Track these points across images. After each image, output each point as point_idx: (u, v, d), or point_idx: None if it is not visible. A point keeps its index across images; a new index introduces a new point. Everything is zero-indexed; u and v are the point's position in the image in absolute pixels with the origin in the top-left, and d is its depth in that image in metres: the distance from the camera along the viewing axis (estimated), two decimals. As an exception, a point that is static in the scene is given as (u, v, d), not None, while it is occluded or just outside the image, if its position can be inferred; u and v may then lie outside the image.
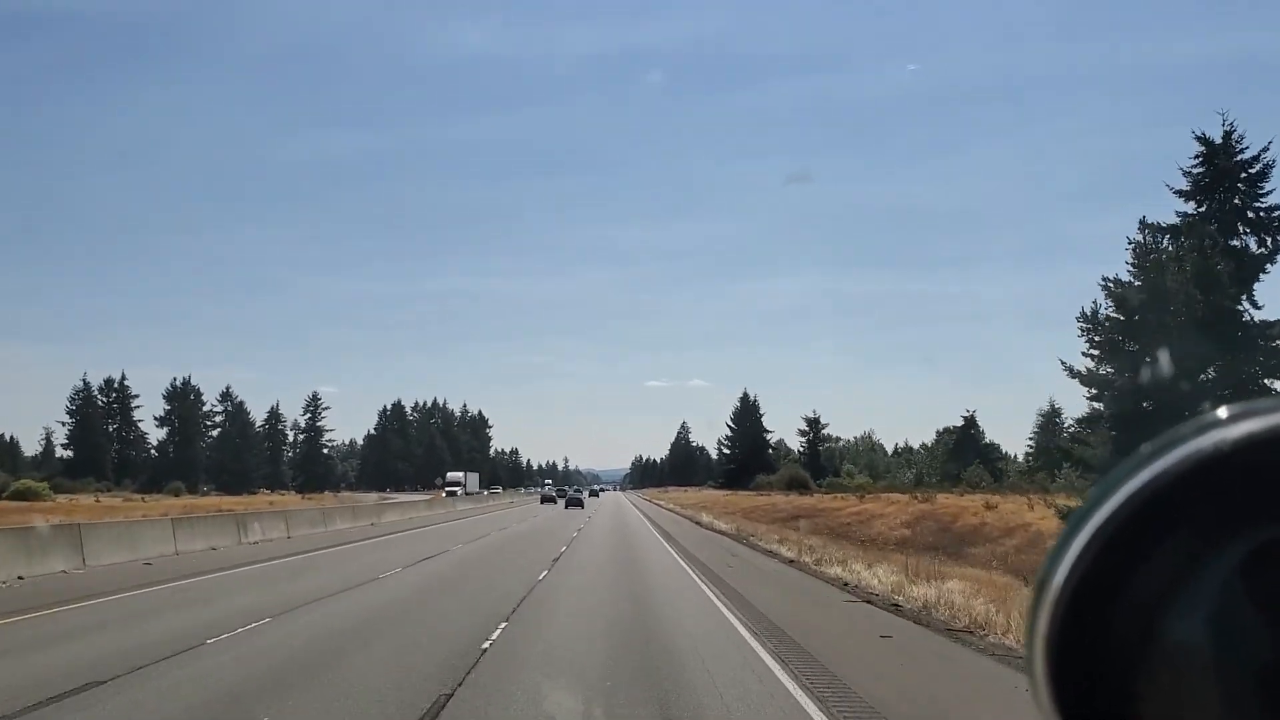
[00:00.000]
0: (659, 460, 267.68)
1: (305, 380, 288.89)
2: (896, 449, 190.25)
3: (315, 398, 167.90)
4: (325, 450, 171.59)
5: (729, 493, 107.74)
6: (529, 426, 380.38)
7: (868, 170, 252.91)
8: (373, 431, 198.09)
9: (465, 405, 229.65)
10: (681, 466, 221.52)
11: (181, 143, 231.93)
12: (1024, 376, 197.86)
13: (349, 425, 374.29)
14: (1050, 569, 0.69)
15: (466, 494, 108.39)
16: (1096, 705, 0.69)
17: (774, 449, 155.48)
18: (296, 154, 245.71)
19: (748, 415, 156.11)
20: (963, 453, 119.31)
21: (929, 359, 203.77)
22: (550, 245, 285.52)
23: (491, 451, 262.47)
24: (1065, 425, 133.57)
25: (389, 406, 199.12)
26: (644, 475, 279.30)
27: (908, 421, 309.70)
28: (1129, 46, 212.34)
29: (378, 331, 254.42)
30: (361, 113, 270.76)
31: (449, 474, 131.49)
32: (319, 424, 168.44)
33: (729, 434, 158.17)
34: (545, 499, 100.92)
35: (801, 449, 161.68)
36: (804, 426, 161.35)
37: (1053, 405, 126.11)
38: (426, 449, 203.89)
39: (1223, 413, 0.67)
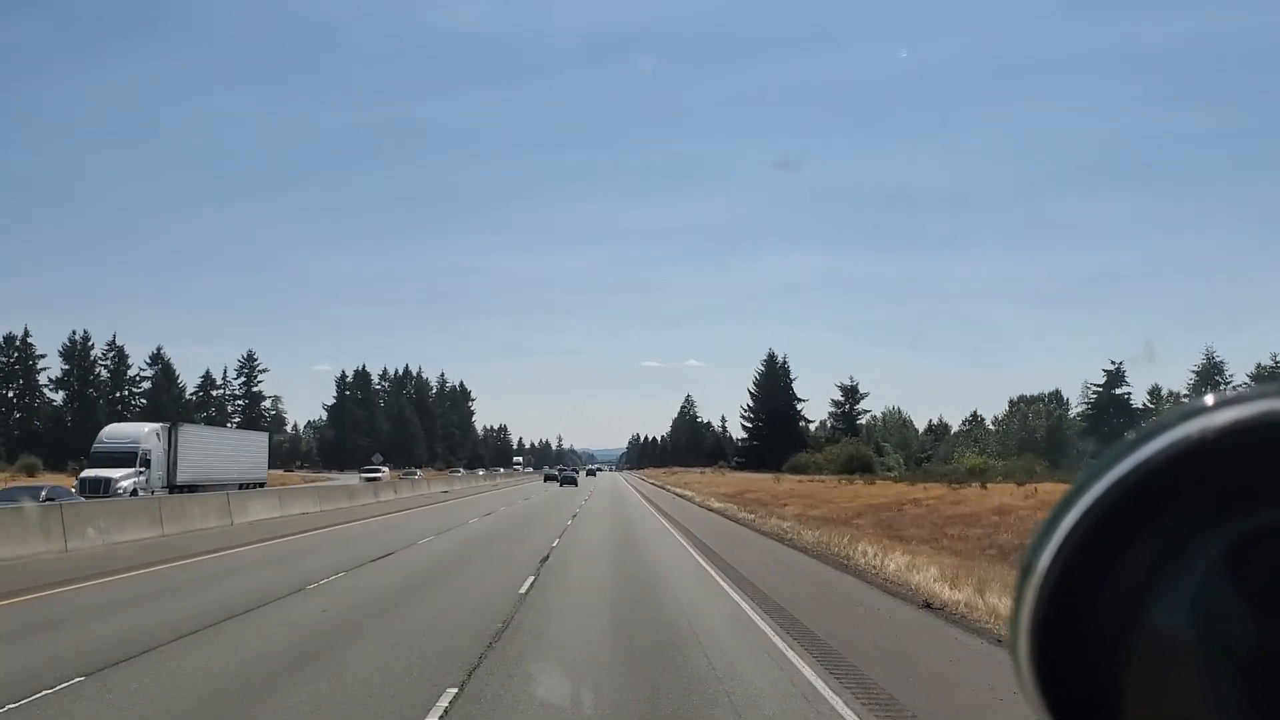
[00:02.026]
0: (660, 438, 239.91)
1: (298, 358, 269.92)
2: (931, 425, 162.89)
3: (250, 358, 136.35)
4: (265, 420, 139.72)
5: (774, 477, 76.77)
6: (521, 405, 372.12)
7: (861, 150, 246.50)
8: (331, 401, 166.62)
9: (444, 375, 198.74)
10: (687, 445, 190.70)
11: (170, 120, 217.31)
12: (1017, 357, 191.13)
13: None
14: (1035, 554, 0.67)
15: (132, 487, 38.53)
16: (1080, 690, 0.67)
17: (806, 420, 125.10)
18: (286, 131, 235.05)
19: (774, 381, 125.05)
20: (1110, 421, 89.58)
21: (919, 340, 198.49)
22: (544, 223, 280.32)
23: (479, 428, 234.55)
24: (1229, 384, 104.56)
25: (350, 374, 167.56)
26: (643, 454, 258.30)
27: (917, 401, 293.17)
28: (1119, 28, 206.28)
29: (371, 309, 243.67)
30: (352, 89, 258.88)
31: (106, 427, 47.00)
32: (255, 389, 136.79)
33: (750, 404, 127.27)
34: (549, 478, 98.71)
35: (834, 421, 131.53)
36: (839, 396, 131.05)
37: (1210, 358, 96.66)
38: (395, 423, 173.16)
39: (1209, 399, 0.66)
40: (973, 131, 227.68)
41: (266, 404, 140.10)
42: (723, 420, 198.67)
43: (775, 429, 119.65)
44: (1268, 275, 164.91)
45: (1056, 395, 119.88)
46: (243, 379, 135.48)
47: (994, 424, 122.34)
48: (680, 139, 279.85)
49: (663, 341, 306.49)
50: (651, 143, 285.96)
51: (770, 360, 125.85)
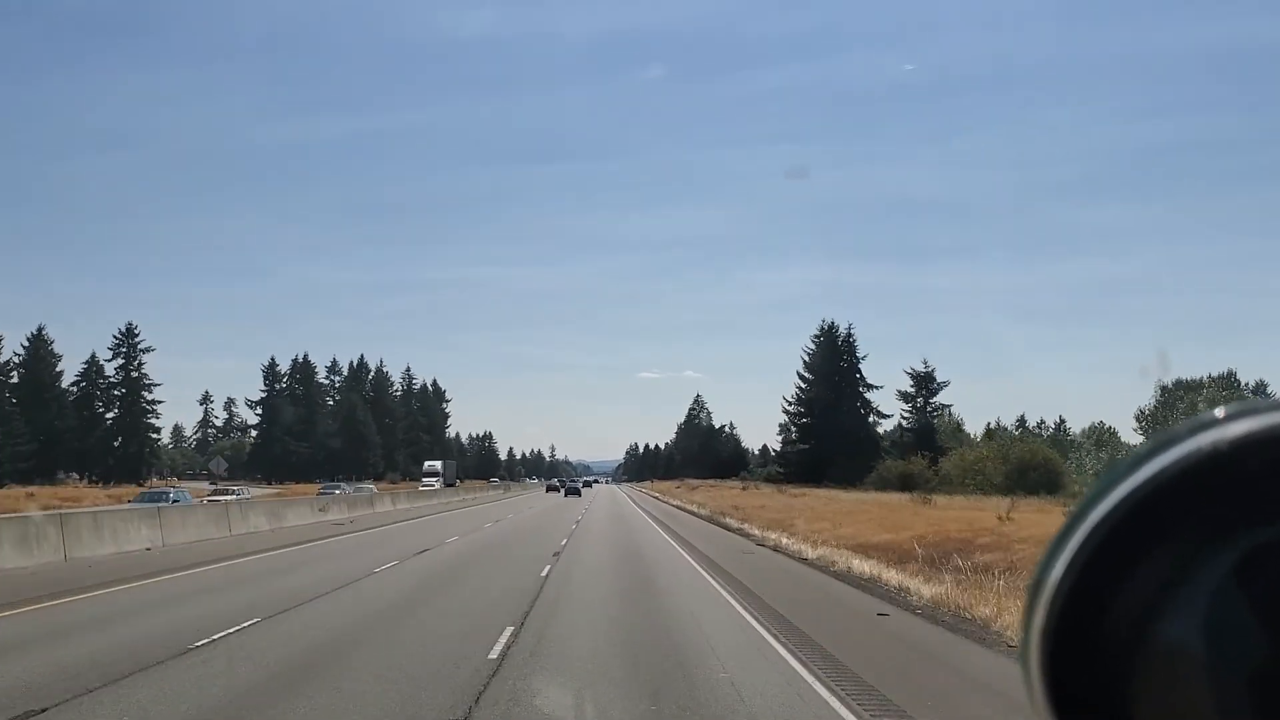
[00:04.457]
0: (663, 446, 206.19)
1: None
2: (990, 429, 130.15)
3: (129, 334, 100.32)
4: (150, 418, 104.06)
5: (919, 498, 41.54)
6: (514, 417, 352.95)
7: (863, 160, 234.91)
8: (259, 395, 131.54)
9: (409, 369, 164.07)
10: (699, 454, 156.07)
11: (165, 127, 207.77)
12: (1014, 367, 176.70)
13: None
14: (1046, 568, 0.66)
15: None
16: (1090, 704, 0.66)
17: (880, 415, 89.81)
18: (284, 139, 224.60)
19: (832, 362, 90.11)
20: None
21: (924, 352, 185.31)
22: (539, 233, 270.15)
23: (463, 437, 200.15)
24: None
25: (282, 365, 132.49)
26: (643, 465, 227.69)
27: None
28: (1123, 37, 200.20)
29: (363, 322, 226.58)
30: (349, 97, 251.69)
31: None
32: (135, 376, 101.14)
33: (798, 394, 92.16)
34: (550, 489, 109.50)
35: (904, 418, 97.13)
36: (909, 387, 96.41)
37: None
38: (344, 425, 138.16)
39: (1220, 412, 0.64)
40: (975, 140, 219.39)
41: (156, 395, 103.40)
42: (731, 427, 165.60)
43: (835, 429, 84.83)
44: (1275, 286, 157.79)
45: (1228, 378, 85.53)
46: (120, 361, 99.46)
47: (1138, 419, 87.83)
48: (679, 148, 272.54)
49: (660, 353, 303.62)
50: (650, 152, 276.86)
51: (828, 335, 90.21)
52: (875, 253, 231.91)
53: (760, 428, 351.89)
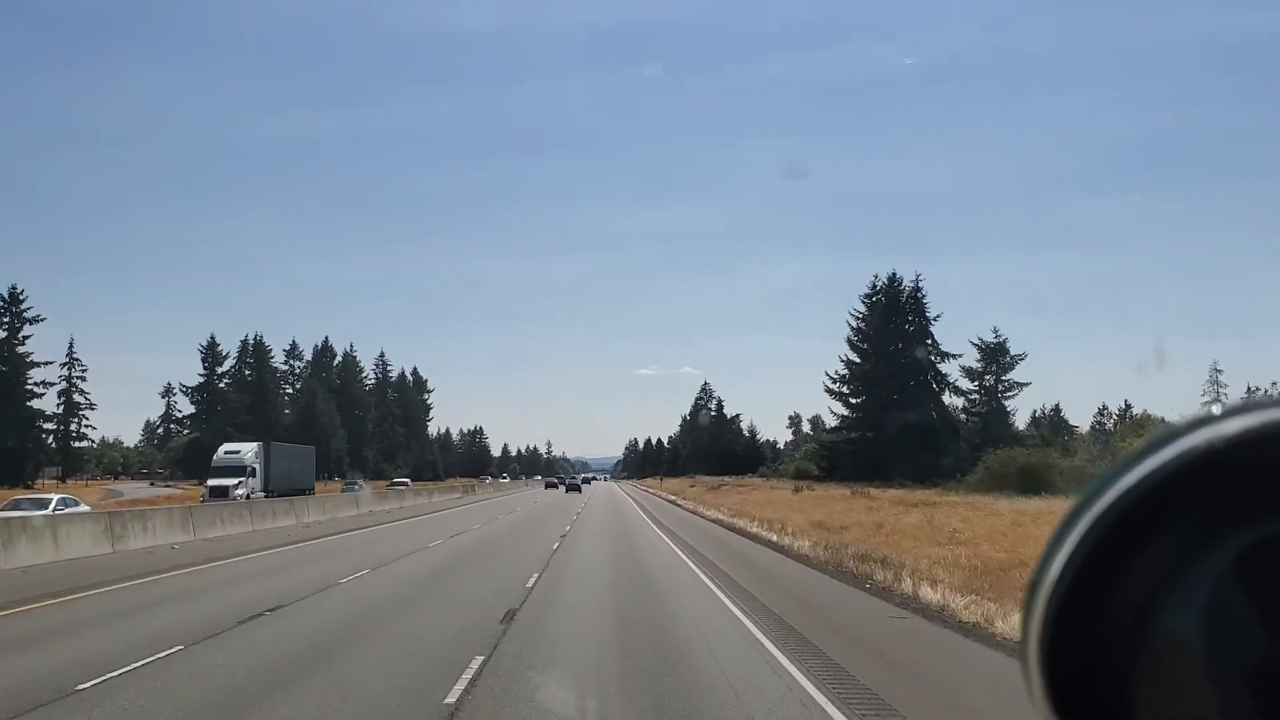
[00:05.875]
0: (666, 440, 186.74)
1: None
2: (1036, 417, 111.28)
3: (13, 298, 79.54)
4: (32, 402, 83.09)
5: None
6: (510, 412, 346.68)
7: (864, 152, 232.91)
8: (197, 379, 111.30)
9: (384, 355, 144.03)
10: (708, 447, 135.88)
11: (159, 124, 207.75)
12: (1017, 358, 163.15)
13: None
14: (1045, 564, 0.66)
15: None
16: (1090, 700, 0.66)
17: (958, 392, 69.56)
18: (276, 134, 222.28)
19: (895, 323, 69.79)
20: None
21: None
22: (537, 228, 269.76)
23: (453, 433, 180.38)
24: None
25: (227, 345, 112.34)
26: (644, 462, 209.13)
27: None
28: (1125, 27, 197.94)
29: (353, 316, 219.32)
30: (345, 92, 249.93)
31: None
32: (20, 348, 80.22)
33: (848, 368, 71.70)
34: (549, 485, 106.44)
35: (971, 398, 77.27)
36: (975, 361, 76.49)
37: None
38: (301, 417, 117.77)
39: (1217, 408, 0.64)
40: (977, 132, 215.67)
41: (44, 373, 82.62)
42: (736, 418, 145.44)
43: (897, 412, 64.63)
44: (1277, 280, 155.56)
45: None
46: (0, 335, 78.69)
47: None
48: (677, 142, 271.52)
49: (658, 349, 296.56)
50: (648, 146, 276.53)
51: (890, 292, 69.43)
52: (876, 245, 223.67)
53: (762, 424, 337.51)
